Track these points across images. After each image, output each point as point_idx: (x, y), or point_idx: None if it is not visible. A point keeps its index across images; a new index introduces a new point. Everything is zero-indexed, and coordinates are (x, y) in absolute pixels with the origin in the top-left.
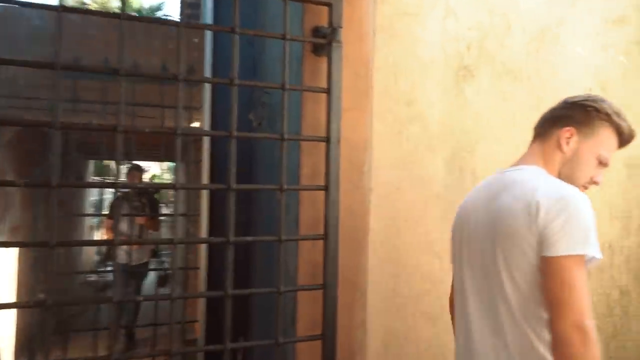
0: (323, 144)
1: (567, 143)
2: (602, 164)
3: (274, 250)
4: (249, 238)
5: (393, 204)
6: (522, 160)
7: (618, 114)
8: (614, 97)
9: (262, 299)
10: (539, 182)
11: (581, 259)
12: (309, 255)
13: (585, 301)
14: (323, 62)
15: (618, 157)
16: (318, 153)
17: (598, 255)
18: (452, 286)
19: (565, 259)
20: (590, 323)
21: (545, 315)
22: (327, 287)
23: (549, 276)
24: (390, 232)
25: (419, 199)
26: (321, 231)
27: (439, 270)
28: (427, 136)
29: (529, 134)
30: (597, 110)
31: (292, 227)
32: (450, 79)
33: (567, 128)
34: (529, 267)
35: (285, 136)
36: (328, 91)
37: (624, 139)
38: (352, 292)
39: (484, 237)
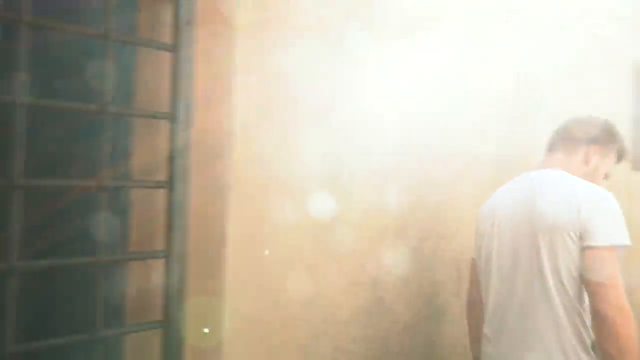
0: (165, 124)
1: (592, 160)
2: (606, 177)
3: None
4: (43, 263)
5: (258, 206)
6: (547, 165)
7: (622, 139)
8: None
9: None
10: (575, 182)
11: (616, 248)
12: (141, 280)
13: (621, 285)
14: (167, 12)
15: None
16: (157, 137)
17: (629, 243)
18: (472, 285)
19: (606, 249)
20: (628, 304)
21: (579, 301)
22: (169, 324)
23: (591, 264)
24: (253, 244)
25: (290, 200)
26: (160, 246)
27: (312, 288)
28: (301, 123)
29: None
30: (614, 135)
31: (117, 243)
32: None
33: (595, 147)
34: (570, 257)
35: (111, 109)
36: (174, 49)
37: (620, 159)
38: (201, 327)
39: (524, 234)
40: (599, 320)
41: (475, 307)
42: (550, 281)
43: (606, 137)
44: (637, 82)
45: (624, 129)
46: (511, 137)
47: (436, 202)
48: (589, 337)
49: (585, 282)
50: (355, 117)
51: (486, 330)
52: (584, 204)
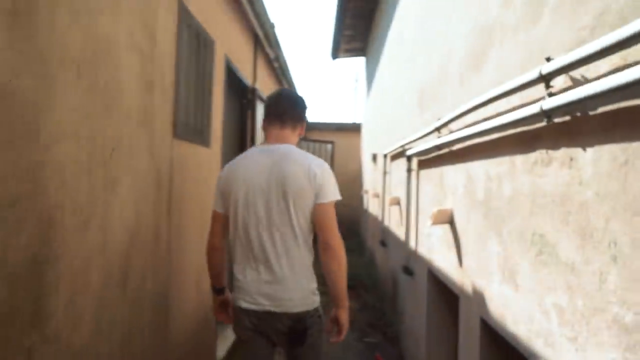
0: None
1: (300, 134)
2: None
3: None
4: None
5: None
6: (277, 139)
7: None
8: None
9: None
10: (307, 156)
11: (334, 202)
12: None
13: (336, 224)
14: None
15: None
16: None
17: (339, 197)
18: (215, 235)
19: (330, 204)
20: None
21: (311, 235)
22: None
23: (321, 212)
24: None
25: None
26: None
27: None
28: None
29: None
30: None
31: None
32: None
33: (303, 124)
34: (308, 209)
35: None
36: None
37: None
38: None
39: (276, 190)
40: (327, 247)
41: (217, 252)
42: (297, 227)
43: (304, 113)
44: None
45: None
46: None
47: None
48: (311, 258)
49: (317, 225)
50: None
51: (245, 265)
52: (317, 174)
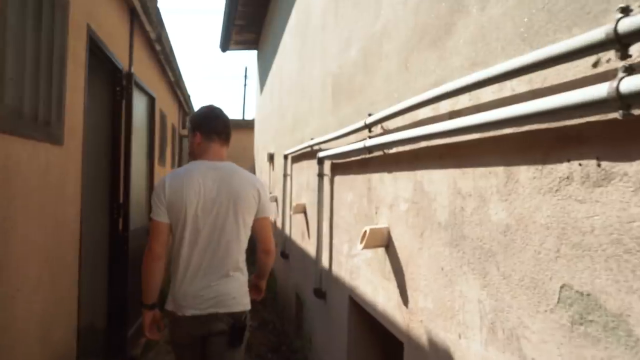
0: None
1: None
2: None
3: None
4: None
5: None
6: (218, 156)
7: None
8: None
9: None
10: (250, 175)
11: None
12: None
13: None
14: None
15: None
16: None
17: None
18: (159, 243)
19: (269, 218)
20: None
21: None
22: None
23: (263, 225)
24: None
25: None
26: None
27: None
28: None
29: None
30: None
31: None
32: None
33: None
34: (250, 222)
35: None
36: None
37: None
38: None
39: (227, 205)
40: (268, 252)
41: (161, 262)
42: (242, 238)
43: None
44: None
45: None
46: None
47: None
48: (245, 264)
49: (259, 235)
50: None
51: (192, 274)
52: (260, 193)
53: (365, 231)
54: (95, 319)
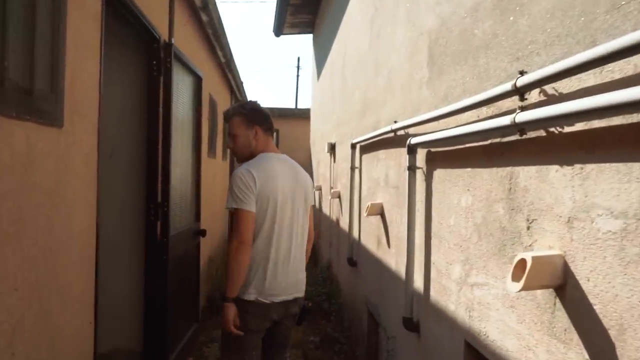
0: None
1: None
2: None
3: None
4: None
5: None
6: (275, 150)
7: None
8: None
9: None
10: (300, 167)
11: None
12: None
13: None
14: None
15: None
16: None
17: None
18: (250, 232)
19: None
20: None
21: None
22: None
23: (311, 215)
24: None
25: None
26: None
27: None
28: None
29: None
30: None
31: None
32: None
33: None
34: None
35: None
36: None
37: None
38: None
39: (299, 198)
40: (311, 239)
41: (250, 251)
42: (306, 228)
43: None
44: None
45: None
46: None
47: None
48: None
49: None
50: None
51: (275, 262)
52: (310, 183)
53: (525, 261)
54: (128, 343)
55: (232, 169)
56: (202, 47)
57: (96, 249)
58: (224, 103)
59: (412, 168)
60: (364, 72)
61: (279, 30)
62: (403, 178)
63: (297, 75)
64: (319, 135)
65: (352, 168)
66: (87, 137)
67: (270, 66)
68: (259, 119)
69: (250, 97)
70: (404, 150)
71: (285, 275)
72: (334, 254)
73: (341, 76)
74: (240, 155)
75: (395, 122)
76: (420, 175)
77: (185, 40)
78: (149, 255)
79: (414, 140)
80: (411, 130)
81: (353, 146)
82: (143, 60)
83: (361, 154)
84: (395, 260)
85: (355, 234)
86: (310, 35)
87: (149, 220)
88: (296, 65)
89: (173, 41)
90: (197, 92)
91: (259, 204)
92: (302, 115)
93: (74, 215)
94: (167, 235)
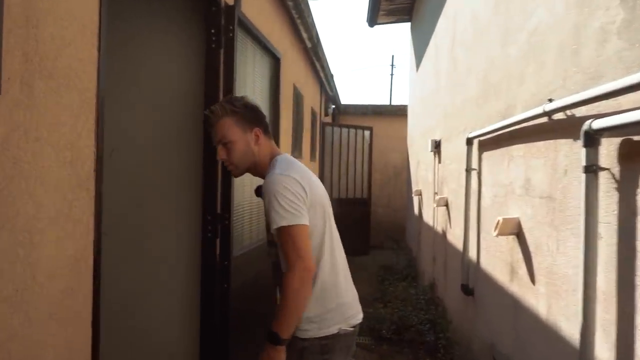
0: None
1: None
2: None
3: None
4: None
5: None
6: (280, 152)
7: None
8: None
9: None
10: None
11: None
12: None
13: None
14: None
15: None
16: None
17: None
18: (310, 253)
19: None
20: None
21: None
22: None
23: None
24: None
25: None
26: None
27: None
28: None
29: None
30: None
31: None
32: None
33: None
34: None
35: None
36: None
37: None
38: None
39: (329, 204)
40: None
41: (312, 274)
42: None
43: None
44: None
45: None
46: None
47: None
48: None
49: None
50: None
51: (346, 276)
52: None
53: None
54: None
55: (322, 170)
56: (281, 23)
57: (93, 289)
58: (311, 98)
59: (591, 169)
60: (483, 46)
61: (373, 20)
62: (563, 184)
63: (391, 74)
64: (418, 132)
65: (468, 170)
66: (69, 118)
67: (361, 64)
68: (258, 117)
69: (343, 95)
70: (566, 142)
71: (353, 291)
72: (439, 272)
73: (449, 59)
74: (240, 168)
75: (550, 100)
76: (606, 181)
77: (258, 10)
78: (205, 283)
79: (597, 124)
80: (582, 111)
81: (469, 142)
82: (198, 31)
83: (480, 151)
84: (546, 303)
85: (473, 254)
86: (407, 26)
87: (206, 237)
88: (390, 64)
89: (239, 7)
90: (274, 78)
91: (312, 214)
92: (397, 113)
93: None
94: (228, 256)
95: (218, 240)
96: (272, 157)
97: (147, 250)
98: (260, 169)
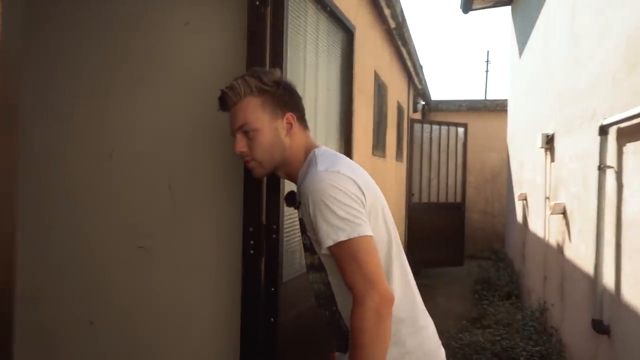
0: None
1: None
2: None
3: None
4: None
5: None
6: (317, 145)
7: None
8: None
9: None
10: None
11: None
12: None
13: None
14: None
15: None
16: None
17: None
18: (382, 271)
19: None
20: None
21: None
22: None
23: None
24: None
25: None
26: None
27: None
28: None
29: None
30: None
31: None
32: None
33: None
34: None
35: None
36: None
37: None
38: None
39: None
40: None
41: (392, 303)
42: None
43: None
44: None
45: None
46: None
47: None
48: None
49: None
50: None
51: (418, 300)
52: None
53: None
54: None
55: (409, 171)
56: None
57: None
58: (397, 90)
59: None
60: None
61: (467, 5)
62: None
63: (487, 71)
64: (521, 127)
65: (601, 168)
66: None
67: (452, 57)
68: (293, 99)
69: (433, 90)
70: None
71: (430, 318)
72: (552, 295)
73: (566, 34)
74: (265, 165)
75: None
76: None
77: None
78: (246, 316)
79: None
80: None
81: (603, 130)
82: None
83: (621, 143)
84: None
85: (609, 280)
86: (506, 11)
87: (247, 255)
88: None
89: None
90: (347, 58)
91: (372, 222)
92: (495, 108)
93: None
94: (276, 281)
95: (263, 260)
96: (308, 151)
97: (174, 267)
98: (292, 168)
